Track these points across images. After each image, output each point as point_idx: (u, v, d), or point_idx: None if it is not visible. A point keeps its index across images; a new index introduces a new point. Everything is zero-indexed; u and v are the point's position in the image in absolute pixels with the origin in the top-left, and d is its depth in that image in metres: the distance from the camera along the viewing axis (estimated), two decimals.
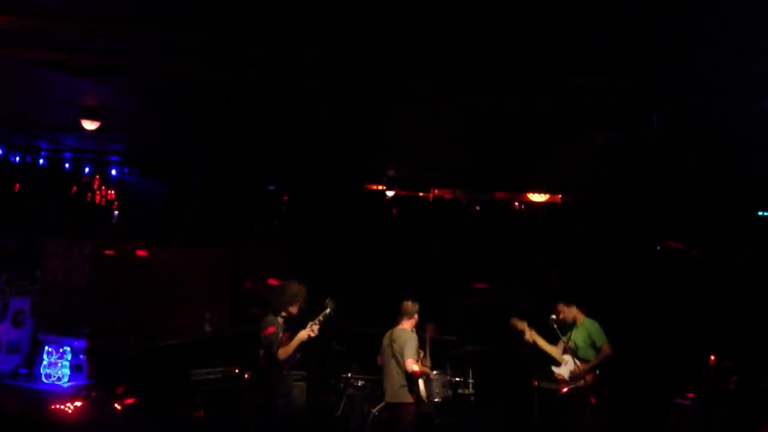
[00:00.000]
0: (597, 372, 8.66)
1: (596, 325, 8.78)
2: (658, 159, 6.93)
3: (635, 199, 10.66)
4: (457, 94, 4.79)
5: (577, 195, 10.73)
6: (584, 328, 8.77)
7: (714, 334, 10.04)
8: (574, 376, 8.64)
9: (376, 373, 9.46)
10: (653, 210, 10.94)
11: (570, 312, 8.83)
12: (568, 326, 8.85)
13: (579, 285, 10.79)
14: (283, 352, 7.98)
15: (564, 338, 8.75)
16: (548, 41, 3.59)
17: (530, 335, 8.82)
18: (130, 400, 8.70)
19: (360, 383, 9.44)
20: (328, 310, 8.19)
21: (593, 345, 8.68)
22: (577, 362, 8.57)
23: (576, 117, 4.35)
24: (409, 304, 8.64)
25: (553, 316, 8.75)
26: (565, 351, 8.70)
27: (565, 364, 8.73)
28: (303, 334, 8.05)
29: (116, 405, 8.57)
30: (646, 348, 10.31)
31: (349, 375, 9.52)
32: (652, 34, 3.37)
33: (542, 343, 8.81)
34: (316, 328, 8.03)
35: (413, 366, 8.27)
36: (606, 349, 8.63)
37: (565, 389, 8.71)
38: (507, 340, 9.42)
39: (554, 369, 8.84)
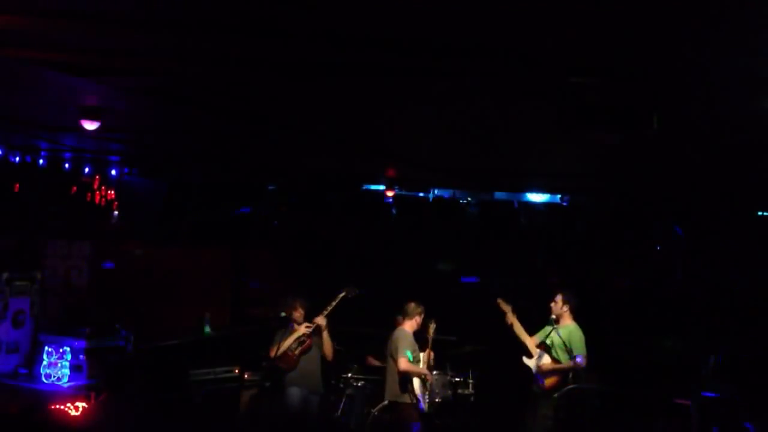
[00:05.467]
0: (564, 376, 8.50)
1: (579, 333, 8.54)
2: (658, 159, 6.93)
3: (635, 199, 10.66)
4: (458, 95, 4.79)
5: (577, 195, 10.73)
6: (566, 331, 8.53)
7: (714, 334, 10.05)
8: (539, 372, 8.52)
9: (376, 373, 9.47)
10: (653, 210, 10.94)
11: (560, 308, 8.71)
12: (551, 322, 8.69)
13: (578, 285, 10.78)
14: (278, 347, 8.39)
15: (542, 333, 8.66)
16: (549, 42, 3.59)
17: (510, 318, 8.69)
18: (129, 401, 8.70)
19: (360, 383, 9.44)
20: (341, 294, 8.61)
21: (568, 350, 8.51)
22: (549, 360, 8.49)
23: (576, 117, 4.35)
24: (411, 305, 8.70)
25: (553, 316, 8.70)
26: (539, 345, 8.63)
27: (537, 357, 8.58)
28: (301, 328, 8.55)
29: (116, 405, 8.57)
30: (646, 348, 10.32)
31: (349, 375, 9.52)
32: (653, 34, 3.37)
33: (519, 330, 8.67)
34: (319, 319, 8.50)
35: (402, 365, 8.35)
36: (581, 361, 8.41)
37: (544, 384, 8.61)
38: (506, 340, 9.41)
39: (524, 359, 8.68)
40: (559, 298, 8.70)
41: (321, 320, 8.52)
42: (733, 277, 10.74)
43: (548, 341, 8.60)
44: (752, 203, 10.01)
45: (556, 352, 8.52)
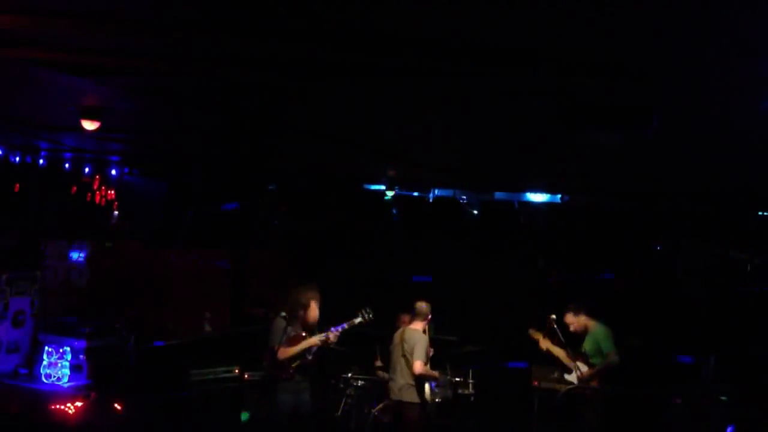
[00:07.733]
0: (603, 377, 8.69)
1: (605, 330, 8.78)
2: (658, 159, 6.92)
3: (636, 199, 10.64)
4: (458, 95, 4.79)
5: (577, 195, 10.72)
6: (593, 335, 8.82)
7: (714, 334, 10.04)
8: (581, 382, 8.69)
9: (376, 373, 9.47)
10: (653, 210, 10.92)
11: (579, 321, 8.90)
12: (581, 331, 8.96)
13: (578, 285, 10.79)
14: (283, 353, 7.92)
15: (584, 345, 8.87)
16: (548, 41, 3.59)
17: (544, 344, 8.93)
18: (129, 401, 8.70)
19: (360, 383, 9.44)
20: (357, 320, 8.23)
21: (600, 351, 8.68)
22: (587, 368, 8.66)
23: (576, 117, 4.35)
24: (423, 305, 8.59)
25: (553, 316, 8.80)
26: (575, 357, 8.74)
27: (576, 370, 8.75)
28: (314, 339, 8.03)
29: (116, 405, 8.57)
30: (645, 348, 10.31)
31: (349, 375, 9.51)
32: (653, 34, 3.37)
33: (555, 351, 8.88)
34: (332, 335, 8.01)
35: (418, 369, 8.27)
36: (611, 356, 8.61)
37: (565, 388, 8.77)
38: (507, 340, 9.43)
39: (566, 376, 8.91)
40: (569, 315, 8.89)
41: (334, 339, 8.02)
42: (733, 277, 10.73)
43: (584, 351, 8.84)
44: (752, 203, 9.99)
45: (594, 359, 8.72)
